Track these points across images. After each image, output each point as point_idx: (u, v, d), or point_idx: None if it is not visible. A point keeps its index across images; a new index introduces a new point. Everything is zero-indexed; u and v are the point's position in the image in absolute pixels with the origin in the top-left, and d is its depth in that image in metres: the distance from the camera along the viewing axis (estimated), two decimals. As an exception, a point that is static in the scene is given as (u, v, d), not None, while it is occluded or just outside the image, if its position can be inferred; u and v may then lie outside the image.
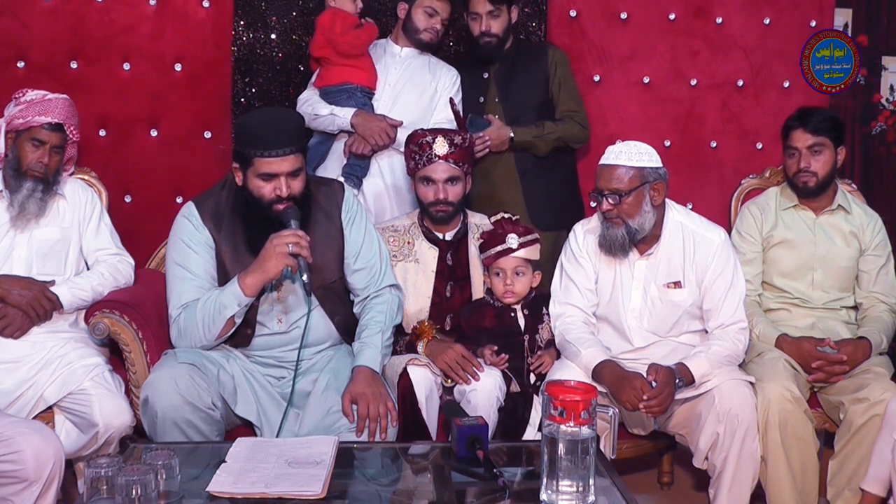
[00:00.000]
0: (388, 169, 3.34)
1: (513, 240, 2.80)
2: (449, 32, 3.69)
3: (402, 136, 3.19)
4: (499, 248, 2.81)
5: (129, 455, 2.15)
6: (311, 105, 3.31)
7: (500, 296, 2.84)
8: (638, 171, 2.66)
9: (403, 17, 3.37)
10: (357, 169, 3.29)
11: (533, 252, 2.85)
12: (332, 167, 3.32)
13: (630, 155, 2.66)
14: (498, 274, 2.83)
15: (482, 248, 2.88)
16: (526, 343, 2.82)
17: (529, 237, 2.85)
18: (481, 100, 3.45)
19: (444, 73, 3.43)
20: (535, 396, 2.74)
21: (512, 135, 3.33)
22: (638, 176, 2.66)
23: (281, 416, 2.56)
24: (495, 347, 2.77)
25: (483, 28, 3.35)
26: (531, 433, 2.65)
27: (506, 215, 2.89)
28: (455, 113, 3.22)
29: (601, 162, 2.73)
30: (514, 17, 3.45)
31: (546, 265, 2.97)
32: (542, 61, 3.46)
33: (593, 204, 2.73)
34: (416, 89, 3.37)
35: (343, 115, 3.25)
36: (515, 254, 2.80)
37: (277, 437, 2.47)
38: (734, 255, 2.78)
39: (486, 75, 3.46)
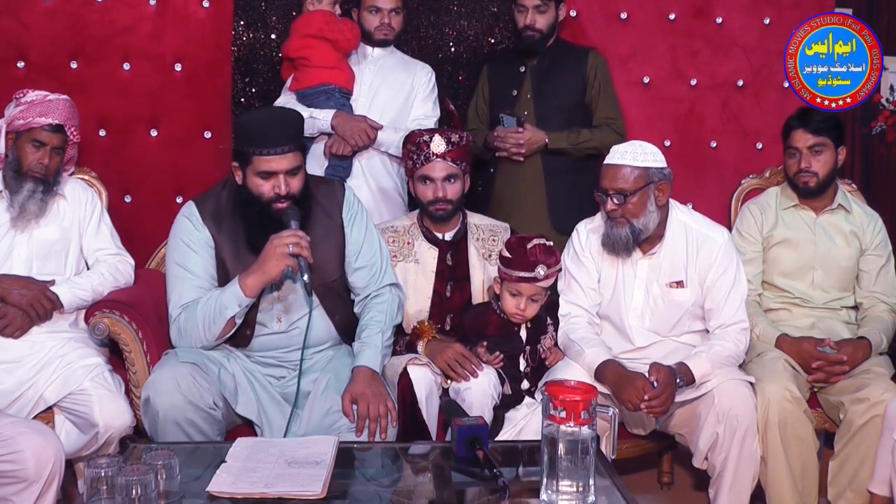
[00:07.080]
0: (368, 170, 3.33)
1: (541, 271, 2.70)
2: (449, 32, 3.69)
3: (381, 136, 3.23)
4: (525, 274, 2.71)
5: (129, 455, 2.15)
6: None
7: (509, 314, 2.78)
8: (643, 171, 2.65)
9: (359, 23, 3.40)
10: (339, 170, 3.28)
11: (553, 279, 2.78)
12: (312, 169, 3.27)
13: (635, 155, 2.66)
14: (513, 294, 2.76)
15: (504, 262, 2.76)
16: (527, 353, 2.81)
17: (556, 268, 2.76)
18: (514, 93, 3.42)
19: (419, 69, 3.45)
20: (523, 401, 2.74)
21: (546, 141, 3.29)
22: (643, 176, 2.65)
23: (281, 415, 2.56)
24: (486, 344, 2.75)
25: (528, 22, 3.34)
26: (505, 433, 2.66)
27: (540, 241, 2.75)
28: (451, 112, 3.22)
29: (606, 161, 2.73)
30: (562, 15, 3.43)
31: None
32: (582, 64, 3.41)
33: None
34: (392, 87, 3.38)
35: (323, 118, 3.25)
36: (538, 283, 2.74)
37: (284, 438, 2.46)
38: (737, 256, 2.79)
39: (522, 69, 3.44)
